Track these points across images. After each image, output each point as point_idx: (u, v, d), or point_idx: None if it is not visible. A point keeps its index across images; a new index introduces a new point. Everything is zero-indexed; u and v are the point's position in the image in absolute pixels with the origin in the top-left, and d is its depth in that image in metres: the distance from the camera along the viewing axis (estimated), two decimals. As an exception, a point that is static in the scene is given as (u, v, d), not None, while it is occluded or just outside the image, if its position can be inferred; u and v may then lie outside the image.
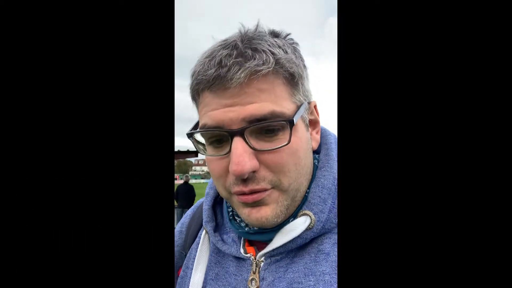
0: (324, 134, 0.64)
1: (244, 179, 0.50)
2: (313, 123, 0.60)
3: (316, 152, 0.61)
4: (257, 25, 0.53)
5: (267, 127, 0.50)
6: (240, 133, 0.49)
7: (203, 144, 0.56)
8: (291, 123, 0.50)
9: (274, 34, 0.54)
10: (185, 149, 9.96)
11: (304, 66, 0.56)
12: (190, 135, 0.55)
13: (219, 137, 0.52)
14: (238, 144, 0.49)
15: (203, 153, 0.55)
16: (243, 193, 0.51)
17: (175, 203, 8.34)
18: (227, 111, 0.49)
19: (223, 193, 0.56)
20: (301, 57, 0.56)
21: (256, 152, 0.50)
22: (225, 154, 0.51)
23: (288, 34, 0.56)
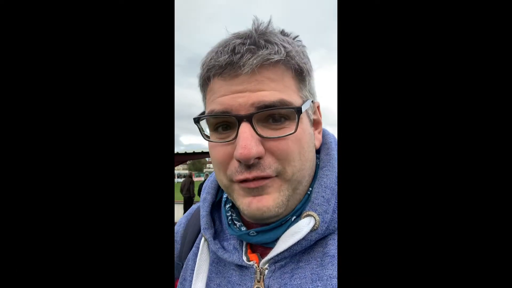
0: (324, 134, 0.63)
1: (248, 166, 0.49)
2: (316, 123, 0.60)
3: (316, 152, 0.60)
4: (269, 21, 0.54)
5: (274, 115, 0.50)
6: (248, 118, 0.49)
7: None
8: (299, 112, 0.50)
9: (284, 34, 0.55)
10: (200, 151, 10.04)
11: (311, 67, 0.56)
12: (196, 120, 0.55)
13: (225, 123, 0.52)
14: (245, 128, 0.49)
15: (207, 139, 0.54)
16: (247, 180, 0.50)
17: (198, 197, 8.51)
18: (236, 97, 0.49)
19: (223, 182, 0.54)
20: (308, 58, 0.56)
21: (262, 140, 0.50)
22: (231, 140, 0.51)
23: (296, 36, 0.57)
